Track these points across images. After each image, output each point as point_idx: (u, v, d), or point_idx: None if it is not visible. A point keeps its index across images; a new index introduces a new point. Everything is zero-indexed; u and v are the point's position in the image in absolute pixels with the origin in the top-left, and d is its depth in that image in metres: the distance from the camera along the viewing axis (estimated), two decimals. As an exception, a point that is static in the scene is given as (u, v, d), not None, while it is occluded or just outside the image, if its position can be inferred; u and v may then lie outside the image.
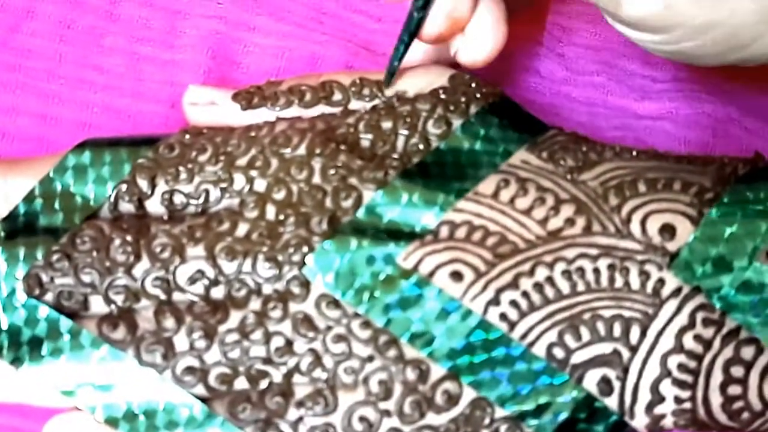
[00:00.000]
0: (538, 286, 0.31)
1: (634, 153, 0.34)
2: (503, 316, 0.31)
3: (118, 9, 0.40)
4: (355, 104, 0.35)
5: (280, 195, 0.33)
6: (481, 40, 0.35)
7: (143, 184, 0.33)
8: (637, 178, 0.33)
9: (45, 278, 0.32)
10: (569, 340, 0.31)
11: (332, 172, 0.33)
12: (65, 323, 0.32)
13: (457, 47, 0.36)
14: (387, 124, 0.34)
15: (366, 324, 0.31)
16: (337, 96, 0.35)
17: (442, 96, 0.35)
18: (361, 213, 0.32)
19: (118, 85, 0.39)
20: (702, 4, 0.30)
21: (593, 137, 0.36)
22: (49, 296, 0.32)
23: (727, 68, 0.39)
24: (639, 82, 0.41)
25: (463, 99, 0.35)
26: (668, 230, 0.32)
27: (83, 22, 0.39)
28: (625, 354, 0.31)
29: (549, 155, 0.34)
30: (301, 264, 0.32)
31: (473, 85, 0.36)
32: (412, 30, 0.35)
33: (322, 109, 0.35)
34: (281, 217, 0.32)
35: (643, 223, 0.32)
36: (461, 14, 0.35)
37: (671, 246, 0.32)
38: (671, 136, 0.39)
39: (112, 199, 0.33)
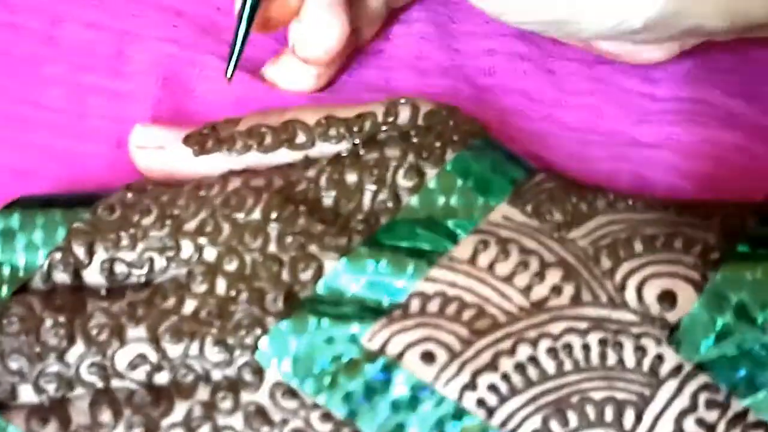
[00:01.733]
0: (519, 367, 0.29)
1: (630, 202, 0.32)
2: (481, 402, 0.28)
3: (59, 32, 0.37)
4: (320, 146, 0.32)
5: (231, 266, 0.30)
6: (318, 33, 0.35)
7: (80, 251, 0.31)
8: (632, 235, 0.30)
9: None
10: (555, 426, 0.28)
11: (290, 239, 0.30)
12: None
13: (294, 41, 0.36)
14: (352, 178, 0.31)
15: (326, 416, 0.29)
16: (301, 138, 0.33)
17: (414, 139, 0.32)
18: (321, 287, 0.30)
19: (58, 122, 0.35)
20: None
21: (585, 172, 0.34)
22: None
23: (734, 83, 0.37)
24: (636, 101, 0.38)
25: (437, 143, 0.32)
26: (668, 298, 0.29)
27: (18, 48, 0.36)
28: None
29: (534, 209, 0.31)
30: (254, 348, 0.29)
31: (450, 123, 0.33)
32: (248, 14, 0.34)
33: (283, 153, 0.32)
34: (233, 292, 0.30)
35: (639, 289, 0.29)
36: None
37: (671, 316, 0.29)
38: (671, 169, 0.36)
39: (44, 268, 0.31)
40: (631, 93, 0.38)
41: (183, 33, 0.37)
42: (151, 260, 0.31)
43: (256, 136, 0.33)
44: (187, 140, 0.33)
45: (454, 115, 0.33)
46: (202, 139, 0.33)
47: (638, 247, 0.30)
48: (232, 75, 0.34)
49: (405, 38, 0.39)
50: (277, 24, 0.36)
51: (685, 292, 0.29)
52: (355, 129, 0.33)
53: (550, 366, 0.29)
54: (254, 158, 0.33)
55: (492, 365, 0.29)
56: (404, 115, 0.33)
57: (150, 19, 0.37)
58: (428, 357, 0.29)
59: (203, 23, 0.37)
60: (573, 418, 0.28)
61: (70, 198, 0.32)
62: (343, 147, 0.33)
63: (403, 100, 0.33)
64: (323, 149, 0.33)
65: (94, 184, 0.35)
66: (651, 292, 0.29)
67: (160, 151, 0.33)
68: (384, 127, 0.33)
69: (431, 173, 0.32)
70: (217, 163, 0.33)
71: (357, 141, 0.33)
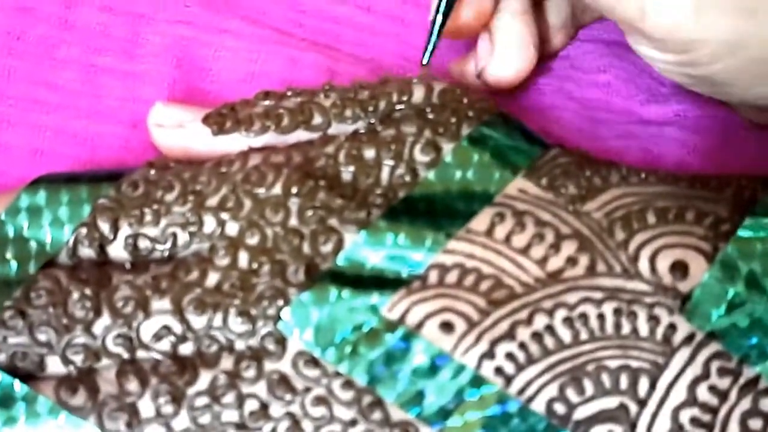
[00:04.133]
0: (537, 336, 0.29)
1: (643, 176, 0.32)
2: (499, 370, 0.29)
3: (74, 15, 0.37)
4: (336, 127, 0.33)
5: (253, 240, 0.30)
6: (510, 55, 0.35)
7: (105, 227, 0.31)
8: (645, 207, 0.31)
9: None
10: (571, 394, 0.29)
11: (310, 213, 0.30)
12: (20, 389, 0.29)
13: (485, 62, 0.36)
14: (370, 153, 0.32)
15: (348, 384, 0.29)
16: (317, 120, 0.33)
17: (430, 116, 0.32)
18: (341, 259, 0.30)
19: (74, 103, 0.36)
20: (734, 14, 0.28)
21: (594, 149, 0.34)
22: (1, 357, 0.29)
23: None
24: (647, 81, 0.38)
25: (453, 119, 0.32)
26: (680, 268, 0.30)
27: (35, 32, 0.36)
28: (633, 408, 0.29)
29: (549, 182, 0.31)
30: (277, 318, 0.29)
31: (464, 101, 0.33)
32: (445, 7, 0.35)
33: (300, 134, 0.33)
34: (255, 265, 0.30)
35: (652, 260, 0.30)
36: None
37: (683, 286, 0.29)
38: (679, 143, 0.37)
39: (70, 243, 0.31)
40: (644, 73, 0.38)
41: (196, 14, 0.37)
42: (174, 235, 0.31)
43: (274, 118, 0.33)
44: (206, 119, 0.33)
45: (467, 93, 0.33)
46: (221, 119, 0.33)
47: (651, 219, 0.30)
48: (428, 61, 0.35)
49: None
50: (468, 32, 0.36)
51: (697, 262, 0.30)
52: (370, 109, 0.33)
53: (566, 335, 0.29)
54: (272, 139, 0.33)
55: (509, 334, 0.29)
56: (418, 93, 0.33)
57: (163, 1, 0.37)
58: (447, 327, 0.29)
59: (216, 3, 0.37)
60: (589, 386, 0.29)
61: (94, 175, 0.32)
62: (360, 126, 0.33)
63: (416, 80, 0.33)
64: (339, 130, 0.33)
65: (110, 163, 0.35)
66: (663, 263, 0.30)
67: (178, 130, 0.33)
68: (399, 106, 0.33)
69: (447, 148, 0.32)
70: (235, 142, 0.33)
71: (372, 120, 0.33)
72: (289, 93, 0.33)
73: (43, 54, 0.36)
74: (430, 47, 0.35)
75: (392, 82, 0.34)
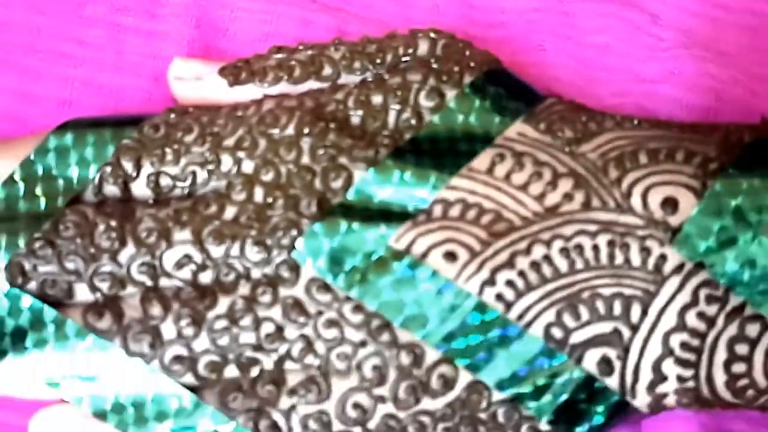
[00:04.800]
0: (535, 265, 0.31)
1: (636, 122, 0.33)
2: (499, 297, 0.31)
3: (99, -24, 0.38)
4: (345, 78, 0.34)
5: (268, 176, 0.32)
6: None
7: (128, 166, 0.33)
8: (638, 148, 0.32)
9: (28, 267, 0.31)
10: (568, 319, 0.30)
11: (321, 152, 0.32)
12: (49, 313, 0.31)
13: None
14: (377, 99, 0.33)
15: (358, 308, 0.31)
16: (327, 71, 0.34)
17: (434, 65, 0.34)
18: (351, 194, 0.31)
19: (99, 58, 0.37)
20: None
21: (590, 105, 0.35)
22: (32, 285, 0.31)
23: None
24: (645, 39, 0.39)
25: (456, 68, 0.34)
26: (670, 204, 0.31)
27: (62, -9, 0.38)
28: (626, 333, 0.30)
29: (547, 126, 0.33)
30: (291, 248, 0.31)
31: (467, 53, 0.34)
32: None
33: (311, 84, 0.34)
34: (269, 199, 0.32)
35: (644, 196, 0.31)
36: None
37: (673, 220, 0.31)
38: (672, 100, 0.38)
39: (96, 181, 0.32)
40: (640, 31, 0.39)
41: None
42: (194, 173, 0.32)
43: (286, 69, 0.34)
44: (222, 71, 0.35)
45: (470, 46, 0.35)
46: (236, 71, 0.34)
47: (643, 158, 0.32)
48: None
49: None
50: None
51: (686, 198, 0.31)
52: (378, 61, 0.34)
53: (562, 264, 0.31)
54: (284, 88, 0.34)
55: (509, 263, 0.31)
56: (423, 46, 0.35)
57: (184, -36, 0.38)
58: (450, 256, 0.31)
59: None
60: (584, 313, 0.30)
61: (118, 119, 0.34)
62: (368, 76, 0.34)
63: (421, 33, 0.35)
64: (348, 80, 0.34)
65: (133, 112, 0.36)
66: (655, 199, 0.31)
67: (197, 82, 0.35)
68: (405, 58, 0.35)
69: (450, 94, 0.33)
70: (249, 92, 0.34)
71: (380, 71, 0.34)
72: (300, 47, 0.35)
73: (70, 12, 0.38)
74: None
75: (398, 36, 0.35)
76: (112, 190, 0.33)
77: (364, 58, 0.34)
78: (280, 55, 0.35)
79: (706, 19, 0.40)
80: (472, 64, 0.34)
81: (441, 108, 0.33)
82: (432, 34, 0.35)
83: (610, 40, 0.39)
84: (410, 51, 0.35)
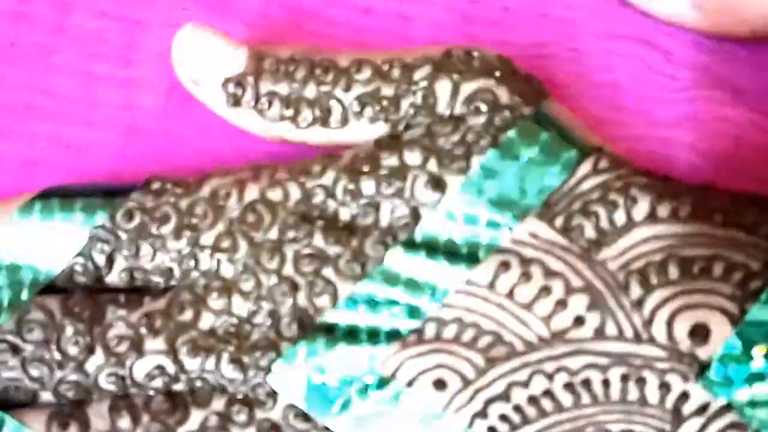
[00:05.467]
0: (533, 400, 0.28)
1: (674, 206, 0.29)
2: (492, 430, 0.28)
3: (69, 21, 0.36)
4: (353, 124, 0.32)
5: (247, 285, 0.30)
6: None
7: (100, 259, 0.31)
8: (668, 257, 0.29)
9: None
10: None
11: (306, 261, 0.30)
12: (11, 424, 0.29)
13: None
14: (369, 189, 0.30)
15: None
16: (335, 116, 0.32)
17: (441, 143, 0.30)
18: (336, 312, 0.29)
19: (68, 111, 0.35)
20: None
21: None
22: None
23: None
24: (658, 79, 0.37)
25: (460, 152, 0.30)
26: (700, 332, 0.28)
27: (28, 37, 0.35)
28: None
29: (564, 223, 0.29)
30: (268, 370, 0.29)
31: (498, 98, 0.31)
32: None
33: (315, 130, 0.32)
34: (248, 312, 0.30)
35: (669, 323, 0.28)
36: None
37: (702, 353, 0.28)
38: (688, 147, 0.35)
39: (65, 271, 0.31)
40: (652, 70, 0.37)
41: (195, 17, 0.36)
42: (170, 270, 0.30)
43: (293, 105, 0.32)
44: (226, 84, 0.32)
45: (505, 81, 0.31)
46: (240, 89, 0.32)
47: (673, 272, 0.28)
48: None
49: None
50: None
51: (720, 326, 0.28)
52: (392, 110, 0.32)
53: (566, 399, 0.28)
54: (287, 129, 0.32)
55: (504, 395, 0.28)
56: (443, 97, 0.31)
57: (160, 4, 0.36)
58: (440, 384, 0.28)
59: (214, 5, 0.36)
60: None
61: (89, 195, 0.32)
62: (378, 130, 0.32)
63: (446, 69, 0.32)
64: (356, 129, 0.32)
65: (104, 172, 0.34)
66: (682, 327, 0.28)
67: (194, 87, 0.33)
68: (420, 115, 0.31)
69: (453, 184, 0.30)
70: (247, 119, 0.32)
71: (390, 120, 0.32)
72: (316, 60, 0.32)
73: (38, 60, 0.35)
74: None
75: (421, 65, 0.32)
76: (81, 280, 0.31)
77: (375, 105, 0.31)
78: (293, 86, 0.32)
79: (720, 54, 0.37)
80: (497, 123, 0.31)
81: (440, 203, 0.30)
82: (459, 70, 0.31)
83: (621, 79, 0.37)
84: (430, 101, 0.31)
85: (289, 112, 0.32)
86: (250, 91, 0.32)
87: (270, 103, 0.32)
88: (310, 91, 0.32)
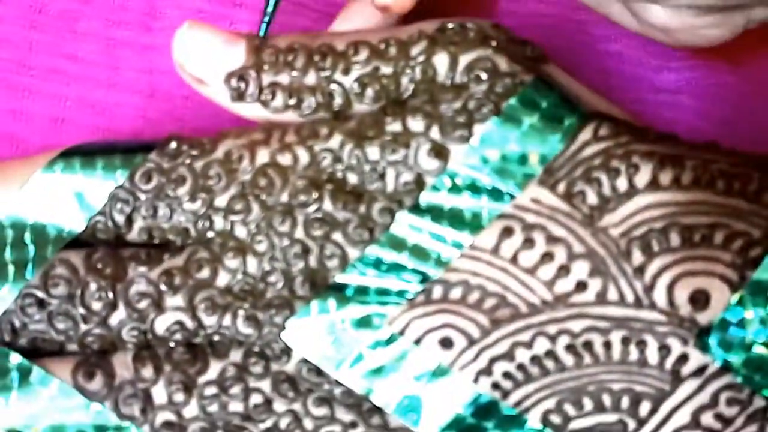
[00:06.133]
0: (536, 359, 0.29)
1: (677, 172, 0.29)
2: (495, 386, 0.29)
3: (95, -11, 0.37)
4: (356, 107, 0.32)
5: (261, 247, 0.31)
6: None
7: (120, 219, 0.32)
8: (670, 224, 0.29)
9: (18, 324, 0.31)
10: (569, 408, 0.29)
11: (316, 226, 0.31)
12: (37, 373, 0.30)
13: None
14: (374, 154, 0.31)
15: (350, 390, 0.30)
16: (338, 101, 0.32)
17: (444, 109, 0.31)
18: (346, 274, 0.30)
19: (93, 75, 0.36)
20: None
21: None
22: (23, 341, 0.31)
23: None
24: (659, 48, 0.37)
25: (463, 119, 0.31)
26: (700, 298, 0.28)
27: (55, 5, 0.36)
28: (631, 425, 0.29)
29: (566, 189, 0.30)
30: (282, 327, 0.30)
31: (497, 65, 0.31)
32: None
33: (320, 115, 0.32)
34: (263, 272, 0.31)
35: (670, 289, 0.28)
36: None
37: (702, 318, 0.28)
38: (691, 111, 0.37)
39: (86, 230, 0.32)
40: (654, 41, 0.37)
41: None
42: (186, 230, 0.32)
43: (296, 95, 0.32)
44: (228, 79, 0.32)
45: (503, 50, 0.31)
46: (243, 83, 0.32)
47: (674, 239, 0.29)
48: (264, 37, 0.32)
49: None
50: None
51: (720, 292, 0.28)
52: (392, 88, 0.32)
53: (568, 360, 0.29)
54: (292, 118, 0.32)
55: (509, 355, 0.29)
56: (442, 66, 0.31)
57: (182, -26, 0.37)
58: (447, 342, 0.29)
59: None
60: (588, 403, 0.29)
61: (109, 154, 0.32)
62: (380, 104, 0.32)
63: (442, 41, 0.31)
64: (359, 109, 0.32)
65: (127, 131, 0.36)
66: (682, 293, 0.28)
67: (199, 86, 0.33)
68: (421, 86, 0.32)
69: (456, 151, 0.30)
70: (252, 111, 0.33)
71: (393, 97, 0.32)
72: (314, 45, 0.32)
73: (64, 27, 0.36)
74: (265, 23, 0.33)
75: (419, 38, 0.32)
76: (103, 237, 0.32)
77: (375, 84, 0.32)
78: (293, 74, 0.32)
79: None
80: (498, 90, 0.31)
81: (443, 170, 0.31)
82: (455, 42, 0.31)
83: (623, 49, 0.38)
84: (429, 74, 0.31)
85: (293, 101, 0.32)
86: (252, 84, 0.32)
87: (273, 94, 0.32)
88: (311, 78, 0.32)
